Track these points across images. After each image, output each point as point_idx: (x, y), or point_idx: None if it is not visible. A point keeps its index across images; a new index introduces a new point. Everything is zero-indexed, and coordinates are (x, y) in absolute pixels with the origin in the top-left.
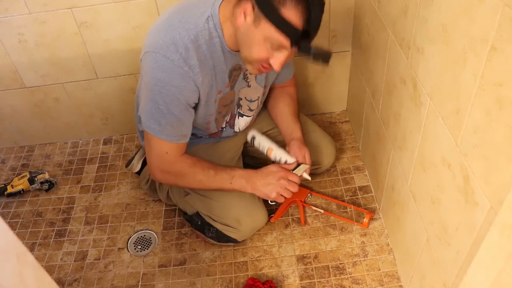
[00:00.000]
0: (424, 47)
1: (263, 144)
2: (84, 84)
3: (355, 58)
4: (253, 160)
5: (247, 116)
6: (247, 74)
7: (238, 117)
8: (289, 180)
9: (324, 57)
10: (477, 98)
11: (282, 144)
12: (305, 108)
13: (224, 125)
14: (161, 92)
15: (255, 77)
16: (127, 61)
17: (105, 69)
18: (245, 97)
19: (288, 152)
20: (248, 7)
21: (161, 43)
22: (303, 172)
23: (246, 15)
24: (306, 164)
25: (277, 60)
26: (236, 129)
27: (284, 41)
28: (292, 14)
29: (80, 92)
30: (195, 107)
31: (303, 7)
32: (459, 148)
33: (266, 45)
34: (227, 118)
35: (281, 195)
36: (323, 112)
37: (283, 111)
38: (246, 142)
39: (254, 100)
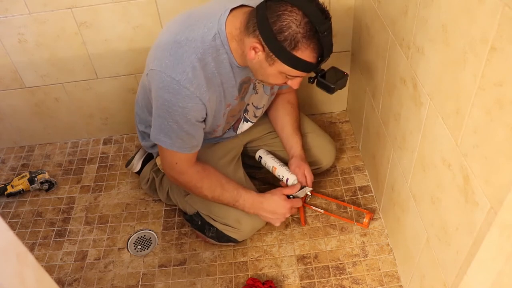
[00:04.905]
0: (424, 47)
1: (268, 164)
2: (84, 84)
3: (355, 58)
4: (253, 160)
5: (251, 122)
6: (256, 84)
7: (243, 122)
8: (293, 208)
9: (339, 79)
10: (477, 98)
11: (284, 158)
12: (305, 108)
13: (228, 128)
14: (169, 111)
15: (263, 85)
16: (127, 61)
17: (105, 69)
18: (252, 103)
19: (289, 170)
20: (257, 45)
21: (167, 62)
22: (306, 193)
23: (257, 52)
24: (308, 185)
25: (295, 82)
26: (239, 132)
27: (301, 74)
28: (306, 54)
29: (80, 92)
30: (204, 121)
31: (315, 43)
32: (459, 148)
33: (282, 75)
34: (232, 122)
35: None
36: (323, 112)
37: (284, 121)
38: (246, 143)
39: (260, 108)
